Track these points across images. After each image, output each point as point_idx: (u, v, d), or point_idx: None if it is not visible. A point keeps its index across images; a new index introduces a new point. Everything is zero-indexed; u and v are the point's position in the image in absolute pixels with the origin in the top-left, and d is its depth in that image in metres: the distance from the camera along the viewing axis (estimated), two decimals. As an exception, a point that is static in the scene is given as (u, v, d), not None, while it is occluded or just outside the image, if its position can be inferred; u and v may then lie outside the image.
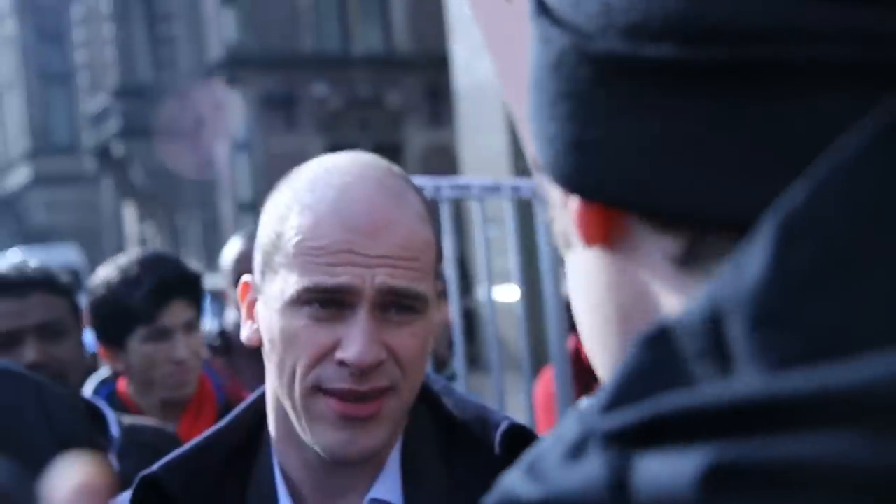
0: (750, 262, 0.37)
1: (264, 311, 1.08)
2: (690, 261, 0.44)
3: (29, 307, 2.04)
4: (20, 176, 28.94)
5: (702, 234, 0.43)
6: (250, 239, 2.41)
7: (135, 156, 21.31)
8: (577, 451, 0.39)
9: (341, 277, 1.02)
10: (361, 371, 1.02)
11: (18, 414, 1.38)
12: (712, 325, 0.38)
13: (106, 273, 2.30)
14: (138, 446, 2.02)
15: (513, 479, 0.41)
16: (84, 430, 2.02)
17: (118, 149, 21.81)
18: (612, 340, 0.49)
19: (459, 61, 11.27)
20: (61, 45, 27.81)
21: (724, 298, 0.38)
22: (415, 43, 19.01)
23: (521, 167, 9.45)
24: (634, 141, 0.44)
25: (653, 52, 0.42)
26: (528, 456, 0.41)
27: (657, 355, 0.39)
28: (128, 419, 2.18)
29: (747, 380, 0.36)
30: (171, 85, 20.27)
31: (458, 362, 2.52)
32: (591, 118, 0.45)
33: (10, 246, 16.71)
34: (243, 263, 2.52)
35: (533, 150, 0.51)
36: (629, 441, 0.37)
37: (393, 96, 18.98)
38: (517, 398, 2.69)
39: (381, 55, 19.21)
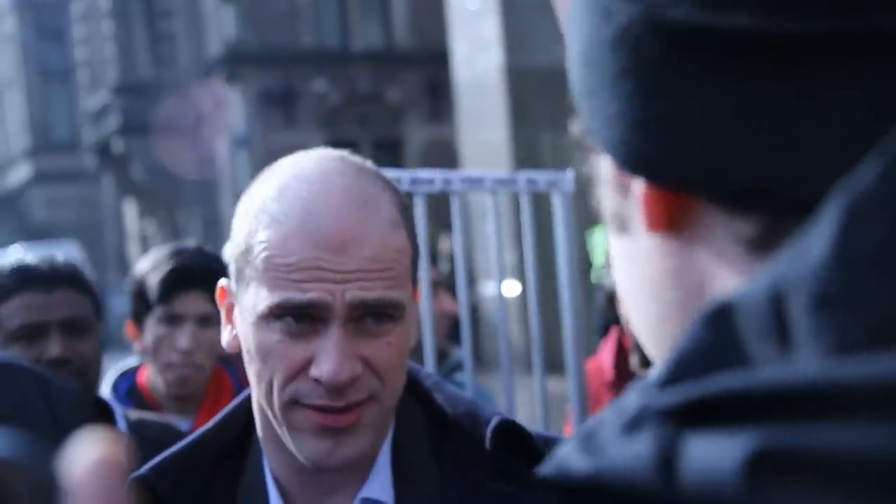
0: (815, 241, 0.36)
1: (240, 320, 1.07)
2: (765, 244, 0.42)
3: (56, 301, 2.05)
4: (21, 173, 28.94)
5: (780, 216, 0.41)
6: None
7: (135, 153, 21.30)
8: (633, 425, 0.38)
9: (311, 294, 1.01)
10: (336, 388, 1.02)
11: (22, 407, 1.38)
12: (774, 304, 0.37)
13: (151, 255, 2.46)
14: (143, 442, 2.02)
15: (568, 451, 0.40)
16: (88, 424, 2.06)
17: (118, 146, 21.80)
18: (671, 329, 0.47)
19: (459, 56, 11.25)
20: (61, 42, 27.79)
21: (787, 278, 0.36)
22: (414, 38, 18.98)
23: (522, 161, 9.44)
24: (709, 118, 0.41)
25: (733, 22, 0.40)
26: (586, 427, 0.40)
27: (717, 334, 0.38)
28: (134, 414, 2.20)
29: (806, 363, 0.35)
30: (171, 82, 20.26)
31: (466, 357, 2.50)
32: (661, 94, 0.43)
33: (11, 243, 16.70)
34: None
35: (584, 129, 0.48)
36: (682, 419, 0.36)
37: (393, 92, 18.96)
38: (521, 395, 2.68)
39: (380, 51, 19.19)
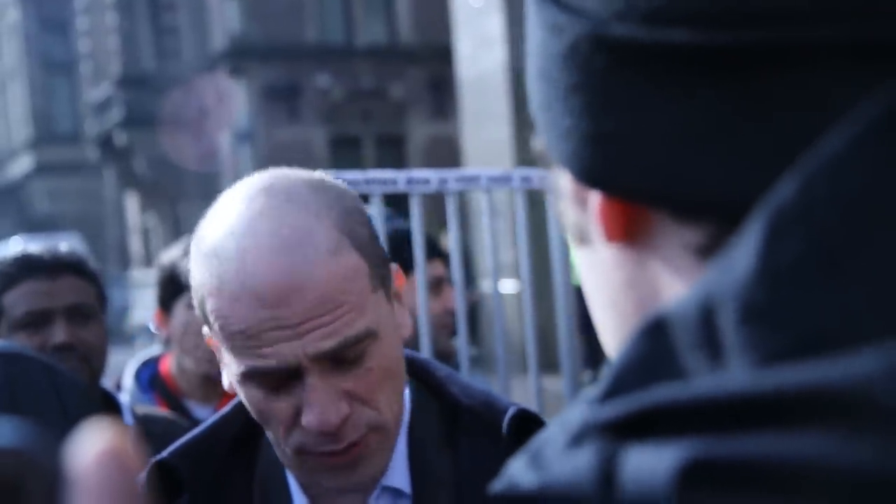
0: (740, 255, 0.37)
1: (225, 371, 1.07)
2: (713, 253, 0.42)
3: (59, 288, 2.07)
4: (23, 165, 28.95)
5: (725, 224, 0.41)
6: None
7: (137, 145, 21.32)
8: (576, 439, 0.38)
9: (271, 360, 1.00)
10: (331, 434, 1.02)
11: (33, 397, 1.38)
12: (704, 317, 0.37)
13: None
14: (150, 437, 2.03)
15: (517, 466, 0.41)
16: (96, 416, 2.08)
17: (121, 138, 21.82)
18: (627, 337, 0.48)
19: (463, 52, 11.25)
20: (64, 34, 27.80)
21: (715, 291, 0.37)
22: (418, 34, 18.98)
23: (525, 159, 9.44)
24: (656, 131, 0.42)
25: (674, 37, 0.40)
26: (534, 443, 0.41)
27: (652, 346, 0.38)
28: (141, 409, 2.22)
29: (735, 374, 0.35)
30: (175, 75, 20.26)
31: (462, 355, 2.50)
32: (610, 109, 0.43)
33: (13, 235, 16.71)
34: None
35: (544, 143, 0.49)
36: (620, 433, 0.37)
37: (396, 88, 18.96)
38: (517, 394, 2.68)
39: (384, 46, 19.19)
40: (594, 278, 0.50)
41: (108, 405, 2.14)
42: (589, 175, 0.45)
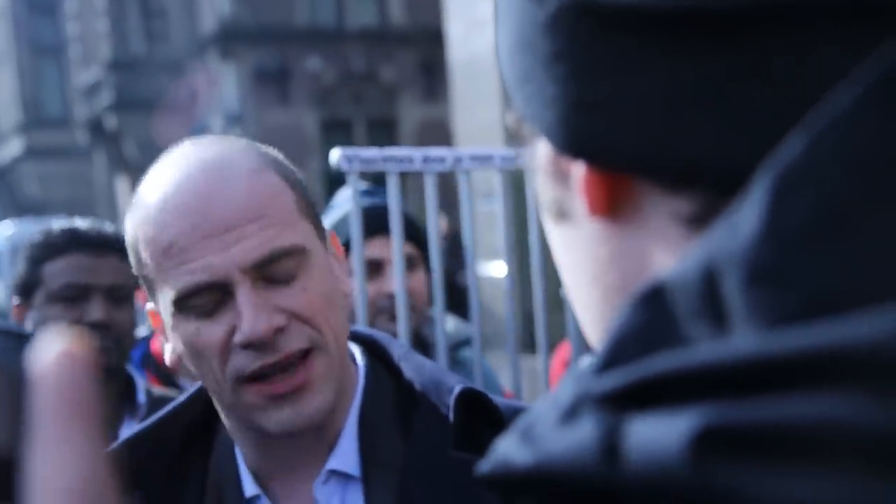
0: (744, 217, 0.36)
1: (169, 331, 1.07)
2: (703, 222, 0.41)
3: (103, 267, 2.09)
4: (12, 148, 28.82)
5: (717, 192, 0.41)
6: None
7: (127, 129, 21.21)
8: (570, 414, 0.37)
9: (203, 275, 1.00)
10: (263, 343, 1.01)
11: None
12: (706, 282, 0.36)
13: None
14: None
15: (507, 445, 0.39)
16: (117, 394, 2.15)
17: (111, 122, 21.71)
18: (612, 313, 0.46)
19: (455, 35, 11.21)
20: (53, 17, 27.62)
21: (718, 255, 0.36)
22: (409, 17, 18.89)
23: (514, 142, 9.42)
24: (645, 98, 0.41)
25: (666, 1, 0.40)
26: (524, 420, 0.40)
27: (651, 315, 0.38)
28: (158, 391, 2.26)
29: (742, 339, 0.35)
30: (165, 58, 20.15)
31: (475, 340, 2.48)
32: (596, 76, 0.42)
33: (3, 218, 16.64)
34: None
35: (522, 116, 0.48)
36: (621, 404, 0.36)
37: (387, 71, 18.89)
38: (505, 375, 2.68)
39: (375, 29, 19.10)
40: (574, 254, 0.48)
41: (125, 383, 2.18)
42: (574, 145, 0.44)
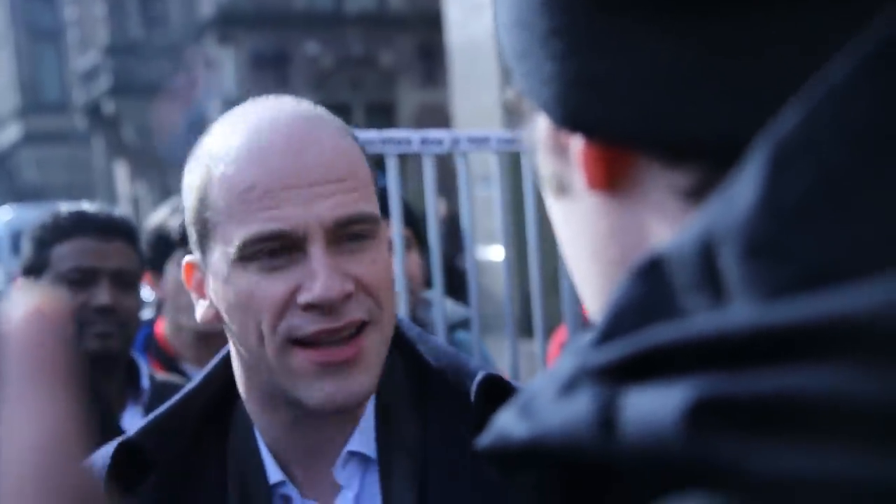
0: (741, 189, 0.36)
1: (213, 282, 1.03)
2: (702, 195, 0.41)
3: (111, 251, 2.10)
4: (10, 133, 28.76)
5: (715, 165, 0.41)
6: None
7: (125, 114, 21.17)
8: (568, 387, 0.37)
9: (280, 223, 0.97)
10: (332, 307, 0.98)
11: None
12: (704, 254, 0.36)
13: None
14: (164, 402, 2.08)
15: (506, 418, 0.40)
16: (119, 379, 2.17)
17: (109, 107, 21.67)
18: (611, 287, 0.46)
19: (453, 19, 11.17)
20: (51, 2, 27.52)
21: (716, 227, 0.36)
22: (408, 1, 18.83)
23: (513, 126, 9.41)
24: (644, 71, 0.41)
25: None
26: (525, 394, 0.40)
27: (648, 287, 0.38)
28: (161, 377, 2.27)
29: (739, 310, 0.35)
30: (163, 42, 20.10)
31: (474, 323, 2.49)
32: (594, 51, 0.42)
33: (1, 204, 16.64)
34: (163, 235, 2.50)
35: (521, 92, 0.48)
36: (618, 376, 0.36)
37: (386, 55, 18.84)
38: (502, 359, 2.68)
39: (373, 13, 19.04)
40: (574, 228, 0.48)
41: (128, 368, 2.20)
42: (573, 119, 0.44)
